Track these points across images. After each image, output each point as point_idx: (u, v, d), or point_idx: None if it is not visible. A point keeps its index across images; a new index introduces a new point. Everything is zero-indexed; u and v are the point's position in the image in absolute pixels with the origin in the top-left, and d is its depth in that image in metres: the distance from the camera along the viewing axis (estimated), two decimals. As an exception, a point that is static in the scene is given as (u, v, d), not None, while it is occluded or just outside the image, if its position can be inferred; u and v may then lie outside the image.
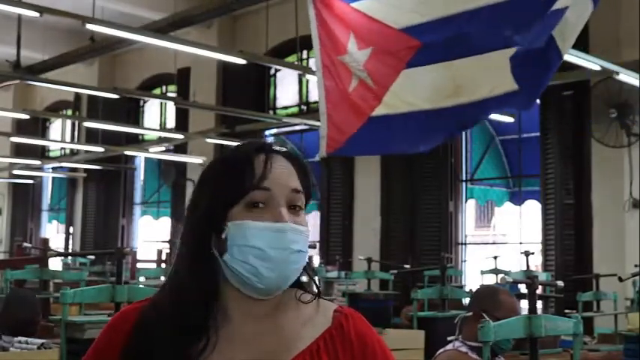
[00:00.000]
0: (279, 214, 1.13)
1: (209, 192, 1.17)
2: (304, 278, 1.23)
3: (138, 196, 14.72)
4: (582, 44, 6.57)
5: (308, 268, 1.21)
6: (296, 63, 10.20)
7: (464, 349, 2.66)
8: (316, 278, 1.23)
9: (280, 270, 1.12)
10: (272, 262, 1.12)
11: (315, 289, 1.22)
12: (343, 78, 3.80)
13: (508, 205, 10.54)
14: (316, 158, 4.48)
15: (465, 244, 9.93)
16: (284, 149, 1.21)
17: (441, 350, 2.76)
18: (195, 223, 1.17)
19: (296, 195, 1.16)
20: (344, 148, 3.93)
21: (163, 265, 10.02)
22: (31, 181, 16.51)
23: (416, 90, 3.53)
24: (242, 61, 8.13)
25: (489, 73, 3.23)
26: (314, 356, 1.15)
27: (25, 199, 17.02)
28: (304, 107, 11.88)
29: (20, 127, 15.50)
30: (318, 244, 10.74)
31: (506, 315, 2.55)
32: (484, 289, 3.02)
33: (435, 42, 3.39)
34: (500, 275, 6.95)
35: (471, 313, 2.73)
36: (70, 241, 15.30)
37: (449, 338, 2.77)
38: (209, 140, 11.28)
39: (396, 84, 3.56)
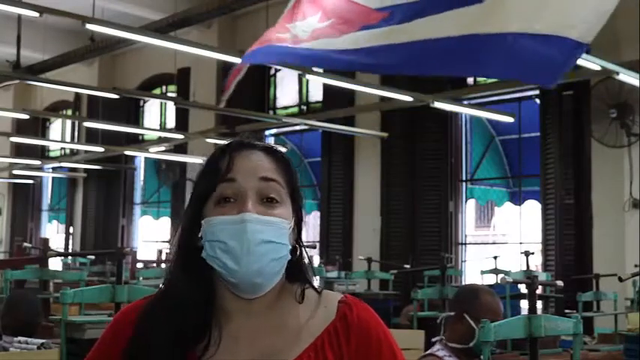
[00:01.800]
0: (243, 207, 1.12)
1: (191, 195, 1.20)
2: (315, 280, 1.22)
3: (138, 196, 14.72)
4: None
5: (302, 265, 1.20)
6: (296, 63, 10.20)
7: (441, 353, 2.64)
8: (312, 278, 1.22)
9: (246, 262, 1.10)
10: (235, 254, 1.11)
11: (310, 285, 1.21)
12: (277, 30, 3.77)
13: (508, 205, 10.54)
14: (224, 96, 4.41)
15: (465, 244, 9.93)
16: (262, 144, 1.21)
17: (423, 354, 2.75)
18: (183, 223, 1.19)
19: (267, 184, 1.15)
20: (242, 59, 3.90)
21: (163, 265, 10.02)
22: (31, 181, 16.51)
23: (347, 42, 3.45)
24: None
25: (439, 26, 3.14)
26: (318, 352, 1.14)
27: (25, 199, 17.02)
28: (304, 107, 11.89)
29: (20, 127, 15.50)
30: (318, 244, 10.74)
31: (487, 315, 2.53)
32: (465, 289, 2.99)
33: (401, 11, 3.32)
34: (500, 275, 6.95)
35: (451, 313, 2.72)
36: (70, 241, 15.30)
37: (433, 340, 2.76)
38: (209, 140, 11.26)
39: (330, 38, 3.50)
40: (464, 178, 9.93)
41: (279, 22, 3.80)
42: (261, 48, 3.76)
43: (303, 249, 1.20)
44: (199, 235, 1.15)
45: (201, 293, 1.15)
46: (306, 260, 1.21)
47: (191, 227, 1.17)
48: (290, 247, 1.15)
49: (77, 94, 14.49)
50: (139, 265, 10.63)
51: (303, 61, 4.35)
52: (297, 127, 11.26)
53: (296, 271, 1.19)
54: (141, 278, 7.51)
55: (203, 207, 1.16)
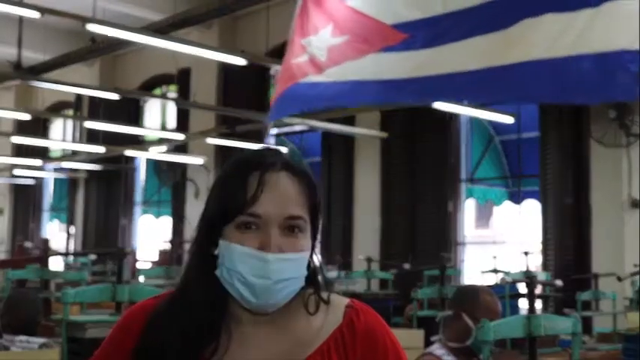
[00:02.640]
0: (267, 241, 1.11)
1: (210, 204, 1.17)
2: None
3: (138, 196, 14.74)
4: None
5: (314, 279, 1.19)
6: (296, 63, 10.20)
7: (439, 352, 2.66)
8: (324, 286, 1.21)
9: (264, 297, 1.11)
10: (254, 290, 1.11)
11: (322, 294, 1.20)
12: (293, 53, 3.75)
13: (508, 205, 10.54)
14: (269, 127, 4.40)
15: (465, 243, 9.94)
16: (289, 163, 1.16)
17: (423, 352, 2.77)
18: (200, 231, 1.18)
19: (293, 221, 1.13)
20: (271, 114, 3.88)
21: (163, 266, 10.03)
22: (32, 182, 16.52)
23: (372, 67, 3.43)
24: (242, 62, 8.15)
25: (464, 54, 3.15)
26: (324, 356, 1.15)
27: (26, 199, 17.03)
28: (304, 107, 11.88)
29: (21, 128, 15.51)
30: (318, 244, 10.74)
31: (486, 315, 2.55)
32: (465, 289, 3.01)
33: (422, 34, 3.33)
34: (500, 275, 6.98)
35: (452, 313, 2.74)
36: (71, 241, 15.32)
37: (432, 338, 2.78)
38: (209, 140, 11.29)
39: (353, 62, 3.48)
40: (463, 178, 9.94)
41: (294, 41, 3.78)
42: (288, 94, 3.73)
43: (316, 260, 1.19)
44: (215, 252, 1.14)
45: (214, 295, 1.15)
46: (319, 269, 1.21)
47: (208, 238, 1.16)
48: (307, 273, 1.16)
49: (78, 95, 14.50)
50: (139, 265, 10.64)
51: (333, 103, 4.32)
52: (297, 127, 11.27)
53: (308, 279, 1.19)
54: (141, 278, 7.53)
55: (223, 223, 1.14)
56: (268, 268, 1.10)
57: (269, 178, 1.13)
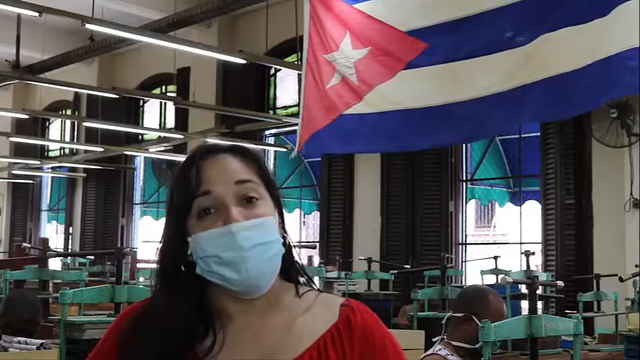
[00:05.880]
0: (227, 216, 1.11)
1: (168, 211, 1.18)
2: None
3: (138, 196, 14.72)
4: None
5: (291, 255, 1.19)
6: (296, 63, 10.19)
7: (443, 352, 2.64)
8: (299, 271, 1.21)
9: (245, 270, 1.10)
10: (232, 265, 1.10)
11: (303, 281, 1.20)
12: (323, 75, 3.76)
13: (508, 205, 10.52)
14: (291, 156, 4.41)
15: (466, 244, 9.92)
16: (227, 146, 1.19)
17: (426, 354, 2.75)
18: (165, 241, 1.17)
19: (243, 186, 1.14)
20: (307, 144, 3.88)
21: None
22: (30, 181, 16.50)
23: (409, 90, 3.45)
24: (242, 61, 8.14)
25: (491, 73, 3.18)
26: (321, 351, 1.13)
27: (24, 199, 17.01)
28: (304, 107, 11.86)
29: (20, 127, 15.48)
30: (318, 244, 10.73)
31: (492, 317, 2.53)
32: (472, 290, 2.99)
33: (442, 44, 3.34)
34: (501, 275, 6.94)
35: (457, 314, 2.71)
36: (70, 241, 15.29)
37: (434, 339, 2.76)
38: (209, 140, 11.26)
39: (386, 84, 3.50)
40: (464, 178, 9.92)
41: (316, 56, 3.77)
42: (334, 128, 3.74)
43: (288, 238, 1.19)
44: (188, 252, 1.14)
45: (187, 305, 1.13)
46: (294, 250, 1.20)
47: (175, 244, 1.15)
48: (282, 239, 1.16)
49: (77, 94, 14.48)
50: (139, 266, 10.61)
51: (390, 148, 4.34)
52: (297, 127, 11.24)
53: (288, 263, 1.18)
54: (141, 278, 7.50)
55: (184, 223, 1.14)
56: (236, 239, 1.10)
57: (209, 160, 1.16)
